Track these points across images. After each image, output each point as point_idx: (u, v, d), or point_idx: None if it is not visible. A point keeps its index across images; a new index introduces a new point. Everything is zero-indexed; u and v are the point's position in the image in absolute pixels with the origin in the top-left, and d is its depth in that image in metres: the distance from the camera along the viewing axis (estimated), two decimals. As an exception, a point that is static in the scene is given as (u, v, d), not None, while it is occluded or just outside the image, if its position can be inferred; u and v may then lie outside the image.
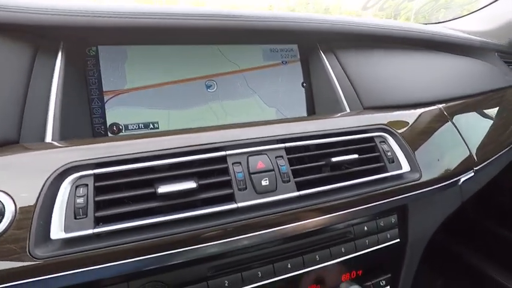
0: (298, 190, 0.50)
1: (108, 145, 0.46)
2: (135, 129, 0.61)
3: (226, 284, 0.48)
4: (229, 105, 0.67)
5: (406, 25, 0.84)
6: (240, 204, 0.47)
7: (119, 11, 0.55)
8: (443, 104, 0.75)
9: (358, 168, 0.56)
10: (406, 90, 0.75)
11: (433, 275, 1.44)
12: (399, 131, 0.63)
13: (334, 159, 0.54)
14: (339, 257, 0.56)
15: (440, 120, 0.71)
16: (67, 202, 0.41)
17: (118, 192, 0.44)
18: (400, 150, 0.61)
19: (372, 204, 0.55)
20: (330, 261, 0.55)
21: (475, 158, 0.71)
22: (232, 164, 0.49)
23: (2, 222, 0.37)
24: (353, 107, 0.69)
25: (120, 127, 0.60)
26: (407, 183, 0.58)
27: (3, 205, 0.38)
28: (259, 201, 0.48)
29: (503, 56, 1.10)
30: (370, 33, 0.75)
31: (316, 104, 0.74)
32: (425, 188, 0.60)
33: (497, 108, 0.90)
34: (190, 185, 0.45)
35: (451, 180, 0.64)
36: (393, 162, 0.59)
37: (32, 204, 0.39)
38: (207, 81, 0.66)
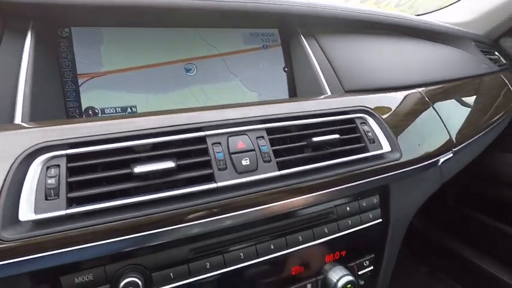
0: (280, 170, 0.50)
1: (81, 125, 0.45)
2: (112, 113, 0.59)
3: (208, 266, 0.47)
4: (210, 89, 0.66)
5: (387, 12, 0.85)
6: (220, 184, 0.46)
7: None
8: (423, 88, 0.76)
9: (339, 149, 0.56)
10: (386, 74, 0.76)
11: (418, 264, 1.47)
12: (380, 113, 0.63)
13: (315, 139, 0.53)
14: (322, 238, 0.55)
15: (420, 103, 0.73)
16: (37, 183, 0.39)
17: (92, 173, 0.42)
18: (380, 131, 0.61)
19: (354, 184, 0.56)
20: (313, 241, 0.55)
21: (454, 140, 0.72)
22: (212, 144, 0.49)
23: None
24: (334, 90, 0.69)
25: (96, 111, 0.58)
26: (388, 162, 0.59)
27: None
28: (239, 181, 0.47)
29: (480, 46, 1.14)
30: (350, 17, 0.75)
31: (298, 88, 0.73)
32: (405, 168, 0.61)
33: (475, 93, 0.92)
34: (168, 164, 0.44)
35: (431, 161, 0.66)
36: (374, 142, 0.60)
37: (-2, 185, 0.37)
38: (186, 64, 0.64)
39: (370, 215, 0.60)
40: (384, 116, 0.63)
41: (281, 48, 0.73)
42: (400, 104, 0.70)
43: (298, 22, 0.73)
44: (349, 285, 0.56)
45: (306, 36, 0.73)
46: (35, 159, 0.40)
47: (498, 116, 0.91)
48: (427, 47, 0.92)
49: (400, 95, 0.71)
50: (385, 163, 0.59)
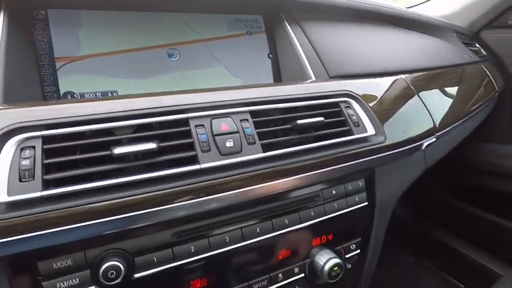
0: (264, 152, 0.50)
1: (58, 107, 0.43)
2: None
3: (192, 250, 0.46)
4: (194, 74, 0.65)
5: (372, 1, 0.86)
6: (204, 165, 0.45)
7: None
8: (407, 75, 0.77)
9: (324, 132, 0.56)
10: (370, 61, 0.77)
11: (406, 254, 1.49)
12: (364, 97, 0.64)
13: (299, 122, 0.53)
14: (309, 221, 0.55)
15: (403, 88, 0.73)
16: (10, 164, 0.38)
17: (69, 155, 0.41)
18: (364, 114, 0.61)
19: (339, 166, 0.56)
20: (299, 224, 0.54)
21: (437, 125, 0.73)
22: (195, 126, 0.48)
23: None
24: (319, 76, 0.69)
25: (76, 96, 0.56)
26: (373, 145, 0.59)
27: None
28: (223, 162, 0.46)
29: (462, 38, 1.16)
30: (334, 5, 0.75)
31: (283, 74, 0.73)
32: (390, 151, 0.62)
33: (457, 81, 0.94)
34: (150, 146, 0.43)
35: (414, 144, 0.66)
36: (358, 126, 0.60)
37: (-33, 167, 0.35)
38: (168, 49, 0.63)
39: (356, 198, 0.61)
40: (368, 101, 0.64)
41: (265, 35, 0.73)
42: (384, 89, 0.70)
43: (282, 9, 0.72)
44: (336, 268, 0.56)
45: (291, 22, 0.72)
46: (8, 140, 0.38)
47: (479, 104, 0.93)
48: (411, 36, 0.94)
49: (384, 81, 0.72)
50: (369, 146, 0.59)
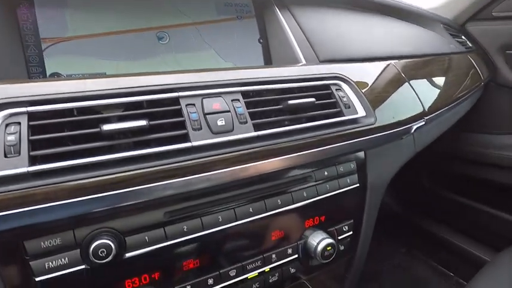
0: (256, 131, 0.49)
1: (45, 84, 0.42)
2: (80, 81, 0.56)
3: (185, 230, 0.46)
4: (184, 57, 0.64)
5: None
6: (195, 143, 0.45)
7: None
8: (396, 60, 0.78)
9: (315, 113, 0.56)
10: (360, 46, 0.77)
11: (397, 245, 1.52)
12: (354, 80, 0.64)
13: (291, 102, 0.53)
14: (301, 201, 0.55)
15: (393, 73, 0.74)
16: (-5, 140, 0.36)
17: (57, 132, 0.40)
18: (355, 96, 0.62)
19: (330, 146, 0.56)
20: (292, 205, 0.54)
21: (426, 109, 0.74)
22: (186, 105, 0.47)
23: None
24: (309, 60, 0.69)
25: (63, 77, 0.55)
26: (363, 126, 0.60)
27: None
28: (215, 141, 0.46)
29: (448, 29, 1.19)
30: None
31: (274, 58, 0.73)
32: (380, 133, 0.62)
33: (445, 69, 0.96)
34: (140, 123, 0.42)
35: (405, 127, 0.67)
36: (349, 108, 0.60)
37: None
38: (158, 32, 0.62)
39: (348, 180, 0.61)
40: (358, 84, 0.64)
41: (255, 20, 0.73)
42: (374, 74, 0.71)
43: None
44: (329, 247, 0.56)
45: (280, 7, 0.73)
46: (-9, 116, 0.37)
47: (466, 91, 0.95)
48: (400, 25, 0.95)
49: (373, 66, 0.73)
50: (360, 127, 0.59)
